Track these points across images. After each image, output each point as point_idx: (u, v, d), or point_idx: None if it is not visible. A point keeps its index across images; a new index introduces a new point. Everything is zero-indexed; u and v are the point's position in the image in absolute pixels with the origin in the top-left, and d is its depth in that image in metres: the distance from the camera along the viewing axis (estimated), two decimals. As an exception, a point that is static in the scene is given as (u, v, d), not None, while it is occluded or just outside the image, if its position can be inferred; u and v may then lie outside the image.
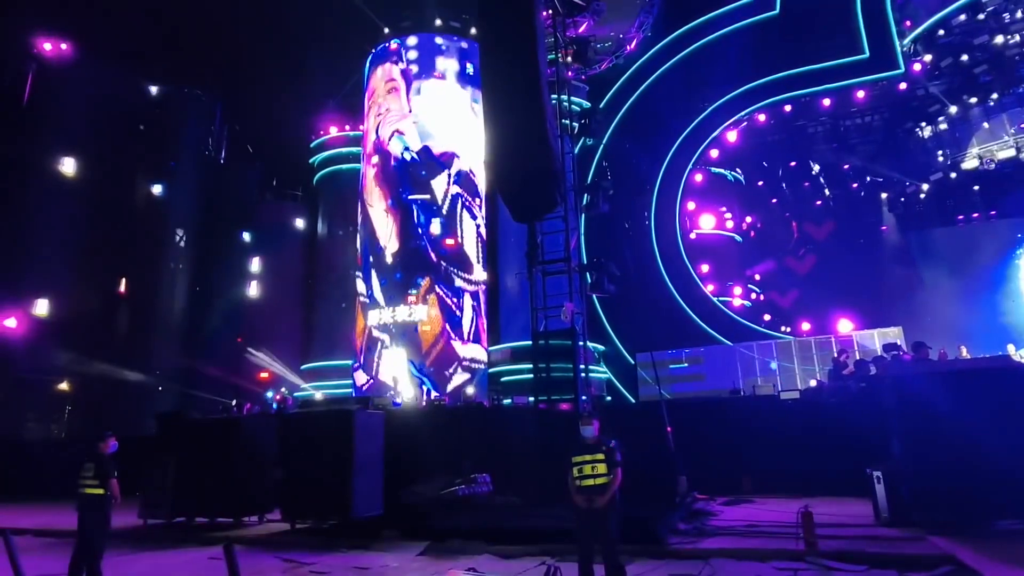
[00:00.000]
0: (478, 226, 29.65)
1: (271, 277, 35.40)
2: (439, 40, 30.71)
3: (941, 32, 27.61)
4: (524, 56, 12.16)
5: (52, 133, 31.70)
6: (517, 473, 12.06)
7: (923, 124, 30.79)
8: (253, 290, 35.13)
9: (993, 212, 28.26)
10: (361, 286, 29.41)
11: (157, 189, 33.91)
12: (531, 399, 14.73)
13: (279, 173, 38.90)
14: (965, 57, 27.86)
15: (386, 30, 31.12)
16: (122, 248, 32.82)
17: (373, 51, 31.69)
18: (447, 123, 29.70)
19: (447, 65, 30.43)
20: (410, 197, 28.77)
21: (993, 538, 8.08)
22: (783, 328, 28.53)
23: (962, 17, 26.90)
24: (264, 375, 32.02)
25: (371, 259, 29.14)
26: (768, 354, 24.31)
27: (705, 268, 30.73)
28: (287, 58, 41.24)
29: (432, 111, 29.72)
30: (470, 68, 30.04)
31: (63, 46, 32.52)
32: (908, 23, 28.21)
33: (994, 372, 9.19)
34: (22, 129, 31.10)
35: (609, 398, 26.71)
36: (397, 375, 26.98)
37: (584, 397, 12.69)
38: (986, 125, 28.91)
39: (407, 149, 29.22)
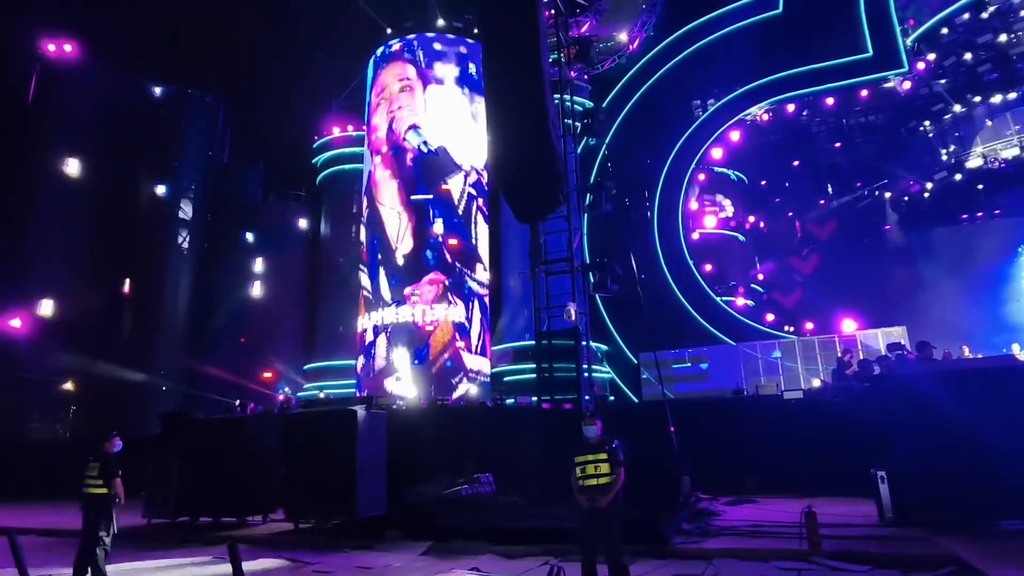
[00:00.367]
0: (489, 230, 29.51)
1: (274, 277, 35.44)
2: (437, 46, 30.50)
3: (945, 30, 27.54)
4: (527, 56, 12.17)
5: (56, 134, 31.82)
6: (520, 473, 12.06)
7: (927, 123, 30.73)
8: (256, 290, 35.18)
9: (997, 211, 28.14)
10: (366, 281, 29.10)
11: (161, 190, 33.98)
12: (534, 399, 14.73)
13: (282, 173, 39.00)
14: (969, 56, 27.79)
15: (388, 31, 31.11)
16: (126, 249, 32.90)
17: (382, 48, 31.16)
18: (460, 128, 29.43)
19: (449, 71, 30.17)
20: (425, 196, 28.37)
21: (998, 538, 8.06)
22: (787, 328, 28.47)
23: (966, 16, 26.83)
24: (267, 375, 32.07)
25: (379, 257, 28.70)
26: (771, 354, 24.26)
27: (708, 268, 30.69)
28: (290, 59, 41.37)
29: (446, 114, 29.42)
30: (473, 68, 29.91)
31: (67, 47, 32.62)
32: (912, 22, 28.15)
33: (999, 372, 9.16)
34: (26, 130, 31.23)
35: (612, 398, 26.71)
36: (401, 374, 26.96)
37: (587, 397, 12.70)
38: (990, 123, 28.83)
39: (425, 143, 28.87)
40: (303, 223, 37.26)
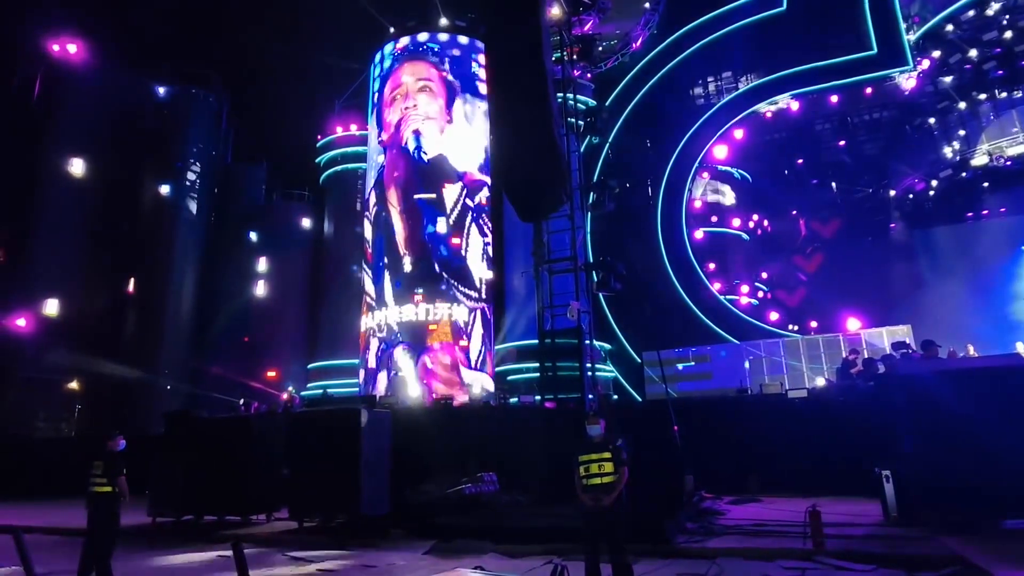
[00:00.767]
0: (486, 244, 28.40)
1: (278, 277, 35.50)
2: (456, 52, 29.64)
3: (950, 27, 27.45)
4: (530, 54, 12.15)
5: (61, 134, 31.98)
6: (523, 472, 12.05)
7: (932, 120, 30.58)
8: (260, 289, 35.25)
9: (1003, 209, 28.00)
10: (369, 286, 28.97)
11: (165, 189, 34.09)
12: (537, 398, 14.73)
13: (286, 173, 39.09)
14: (974, 53, 27.66)
15: (391, 29, 31.09)
16: (130, 248, 33.06)
17: (391, 44, 30.44)
18: (464, 137, 28.91)
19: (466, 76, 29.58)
20: (428, 195, 27.88)
21: (1002, 538, 8.03)
22: (791, 327, 28.41)
23: (971, 13, 26.72)
24: (271, 374, 32.13)
25: (385, 260, 28.32)
26: (775, 353, 24.20)
27: (712, 266, 30.63)
28: (293, 58, 41.44)
29: (459, 124, 28.93)
30: (475, 66, 29.74)
31: (72, 47, 32.72)
32: (916, 19, 28.04)
33: (1004, 371, 9.11)
34: (31, 130, 31.39)
35: (616, 397, 26.68)
36: (404, 374, 26.96)
37: (590, 396, 12.69)
38: (995, 119, 28.65)
39: (419, 148, 28.37)
40: (307, 222, 37.33)
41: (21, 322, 28.76)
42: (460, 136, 28.97)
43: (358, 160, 34.07)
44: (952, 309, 23.85)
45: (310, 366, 32.57)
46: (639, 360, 26.99)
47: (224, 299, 33.91)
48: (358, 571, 8.51)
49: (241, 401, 21.79)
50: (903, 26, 26.95)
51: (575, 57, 17.11)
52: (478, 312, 27.51)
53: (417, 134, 28.61)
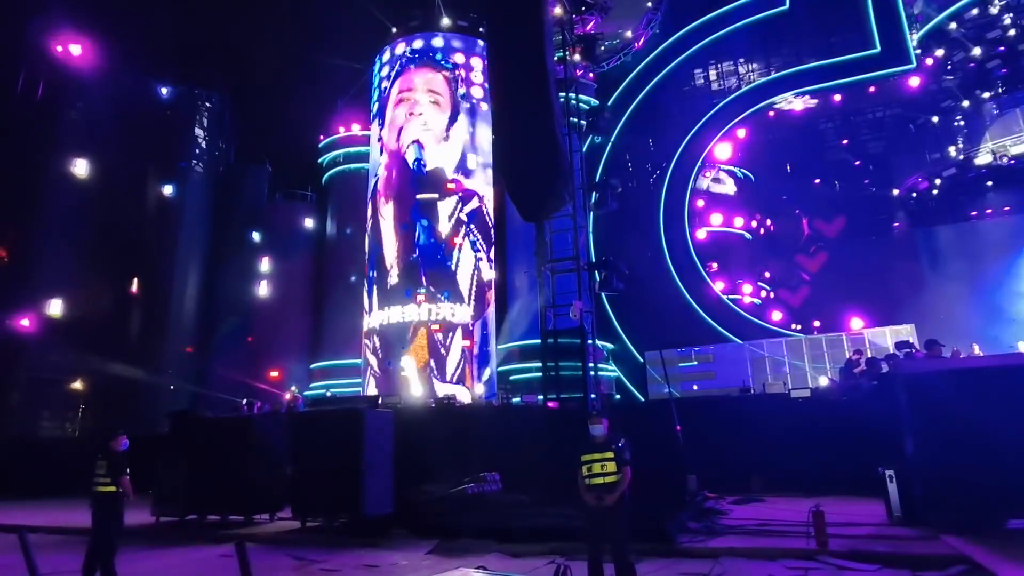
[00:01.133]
0: (478, 260, 28.19)
1: (281, 276, 35.54)
2: (476, 62, 29.50)
3: (953, 25, 27.37)
4: (532, 54, 12.14)
5: (64, 134, 32.05)
6: (526, 472, 12.03)
7: (935, 119, 30.50)
8: (263, 289, 35.31)
9: (1007, 208, 27.94)
10: (364, 298, 29.27)
11: (168, 189, 34.15)
12: (540, 397, 14.72)
13: (288, 173, 39.12)
14: (978, 51, 27.58)
15: (394, 30, 31.11)
16: (133, 248, 33.12)
17: (402, 43, 30.26)
18: (468, 152, 29.00)
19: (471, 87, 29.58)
20: (413, 214, 27.89)
21: (1007, 538, 7.99)
22: (794, 326, 28.37)
23: (974, 11, 26.64)
24: (274, 374, 32.18)
25: (374, 274, 28.62)
26: (778, 352, 24.16)
27: (715, 266, 30.58)
28: (296, 59, 41.47)
29: (460, 136, 29.01)
30: (477, 68, 29.76)
31: (76, 49, 32.78)
32: (920, 17, 27.97)
33: (1008, 370, 9.07)
34: (35, 131, 31.43)
35: (618, 396, 26.69)
36: (406, 374, 26.99)
37: (593, 395, 12.67)
38: (996, 115, 28.53)
39: (418, 160, 28.27)
40: (309, 223, 37.37)
41: (25, 322, 28.83)
42: (458, 149, 28.93)
43: (360, 160, 34.12)
44: (956, 308, 23.79)
45: (313, 366, 32.62)
46: (642, 360, 26.97)
47: (227, 299, 33.98)
48: (361, 571, 8.51)
49: (244, 401, 21.83)
50: (906, 24, 26.87)
51: (577, 56, 17.09)
52: (459, 329, 27.21)
53: (418, 144, 28.55)
